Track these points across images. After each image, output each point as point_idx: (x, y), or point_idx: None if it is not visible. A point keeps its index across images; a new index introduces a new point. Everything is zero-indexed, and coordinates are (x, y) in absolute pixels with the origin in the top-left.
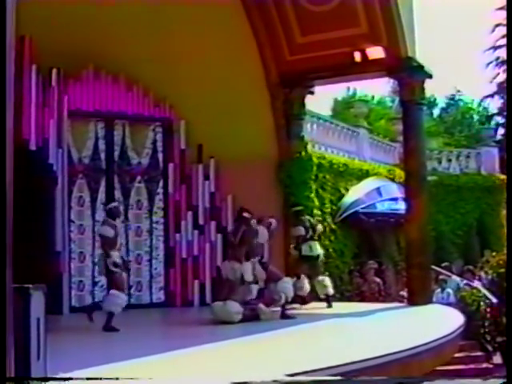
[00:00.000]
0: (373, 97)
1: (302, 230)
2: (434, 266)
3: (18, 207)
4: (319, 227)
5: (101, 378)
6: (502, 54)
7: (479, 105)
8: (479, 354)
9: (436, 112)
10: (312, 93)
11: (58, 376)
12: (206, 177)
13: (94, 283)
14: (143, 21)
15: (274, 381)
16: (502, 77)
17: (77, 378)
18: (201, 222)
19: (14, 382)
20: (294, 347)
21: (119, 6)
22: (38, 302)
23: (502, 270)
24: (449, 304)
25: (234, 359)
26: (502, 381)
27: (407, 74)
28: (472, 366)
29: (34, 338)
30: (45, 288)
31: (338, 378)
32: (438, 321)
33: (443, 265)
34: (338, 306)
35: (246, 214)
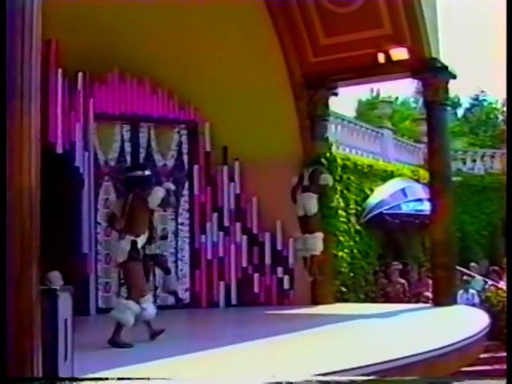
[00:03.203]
0: (397, 98)
1: None
2: (458, 267)
3: (45, 210)
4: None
5: (92, 378)
6: None
7: (504, 105)
8: (504, 354)
9: (460, 112)
10: (336, 94)
11: (67, 376)
12: (231, 178)
13: (121, 284)
14: (168, 24)
15: (289, 383)
16: None
17: (76, 379)
18: (226, 223)
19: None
20: (317, 348)
21: (144, 9)
22: (65, 303)
23: None
24: (473, 305)
25: (257, 361)
26: (502, 381)
27: (431, 74)
28: (497, 366)
29: (61, 339)
30: (72, 289)
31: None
32: (463, 321)
33: (470, 265)
34: (363, 307)
35: None
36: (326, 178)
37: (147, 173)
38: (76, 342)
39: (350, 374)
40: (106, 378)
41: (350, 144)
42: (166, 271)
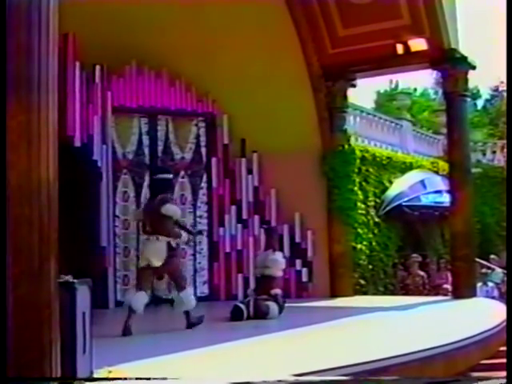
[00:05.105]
0: (415, 89)
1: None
2: (478, 259)
3: (64, 203)
4: None
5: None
6: None
7: None
8: None
9: (480, 103)
10: (354, 85)
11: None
12: (250, 171)
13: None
14: (185, 16)
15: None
16: None
17: (76, 379)
18: (244, 216)
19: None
20: (335, 341)
21: (161, 1)
22: (83, 296)
23: None
24: (493, 297)
25: (275, 353)
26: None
27: (450, 65)
28: None
29: (79, 332)
30: (90, 282)
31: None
32: (484, 314)
33: (490, 257)
34: (382, 300)
35: None
36: None
37: (170, 176)
38: (94, 335)
39: (369, 366)
40: (125, 378)
41: (368, 136)
42: None
